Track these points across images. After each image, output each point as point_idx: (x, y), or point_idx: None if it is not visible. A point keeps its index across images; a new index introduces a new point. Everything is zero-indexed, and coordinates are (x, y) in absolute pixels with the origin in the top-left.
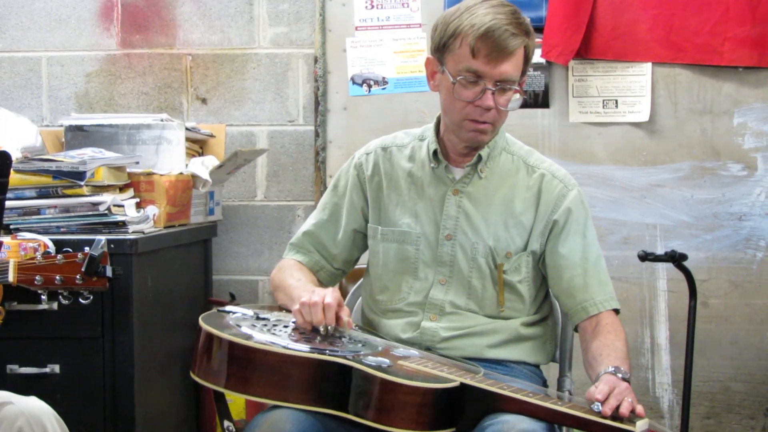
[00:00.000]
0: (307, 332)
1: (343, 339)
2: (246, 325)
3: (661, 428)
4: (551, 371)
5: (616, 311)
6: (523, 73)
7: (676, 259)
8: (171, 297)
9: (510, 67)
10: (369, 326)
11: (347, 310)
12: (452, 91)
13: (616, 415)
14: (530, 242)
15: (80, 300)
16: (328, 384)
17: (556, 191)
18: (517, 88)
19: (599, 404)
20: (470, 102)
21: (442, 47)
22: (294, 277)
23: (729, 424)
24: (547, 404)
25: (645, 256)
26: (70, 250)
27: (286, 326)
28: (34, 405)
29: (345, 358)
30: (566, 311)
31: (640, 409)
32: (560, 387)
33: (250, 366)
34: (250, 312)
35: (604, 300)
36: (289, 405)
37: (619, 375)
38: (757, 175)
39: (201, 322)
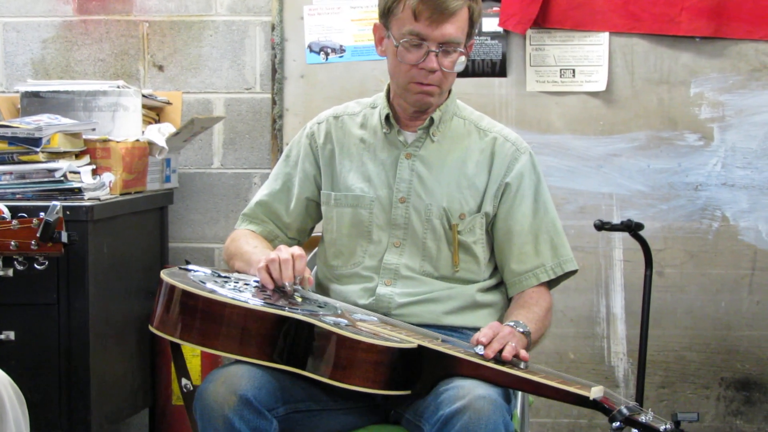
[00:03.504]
0: (267, 290)
1: (303, 299)
2: (208, 282)
3: (614, 395)
4: None
5: (573, 272)
6: (470, 36)
7: (632, 228)
8: (127, 264)
9: (452, 29)
10: (323, 293)
11: (308, 268)
12: (397, 54)
13: (498, 358)
14: (484, 204)
15: (35, 266)
16: (286, 340)
17: (508, 154)
18: (463, 50)
19: (482, 347)
20: (414, 65)
21: (386, 12)
22: (250, 245)
23: (684, 393)
24: (504, 369)
25: (601, 226)
26: (26, 215)
27: (247, 284)
28: None
29: (304, 314)
30: (511, 278)
31: (524, 353)
32: None
33: (209, 318)
34: (209, 271)
35: (556, 264)
36: (246, 359)
37: (518, 328)
38: (713, 146)
39: (162, 275)
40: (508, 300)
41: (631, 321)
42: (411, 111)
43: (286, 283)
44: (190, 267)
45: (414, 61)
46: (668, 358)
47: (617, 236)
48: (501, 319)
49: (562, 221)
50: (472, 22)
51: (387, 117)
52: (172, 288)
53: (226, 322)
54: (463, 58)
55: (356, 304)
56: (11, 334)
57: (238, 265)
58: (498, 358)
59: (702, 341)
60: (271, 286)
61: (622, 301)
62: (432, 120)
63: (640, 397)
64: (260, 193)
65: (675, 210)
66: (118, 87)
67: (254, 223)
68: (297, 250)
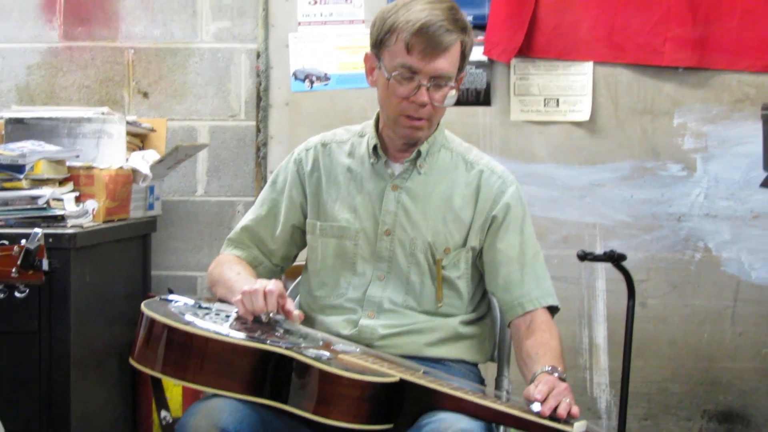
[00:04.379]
0: (248, 322)
1: (285, 331)
2: (188, 313)
3: (597, 429)
4: (489, 371)
5: (555, 309)
6: (461, 69)
7: (615, 259)
8: (109, 292)
9: (445, 63)
10: (307, 323)
11: (290, 300)
12: (388, 86)
13: (553, 416)
14: (469, 238)
15: (16, 294)
16: (267, 374)
17: (495, 187)
18: (453, 84)
19: (539, 404)
20: (405, 98)
21: (379, 43)
22: (234, 271)
23: (666, 425)
24: (486, 403)
25: (584, 256)
26: (6, 242)
27: (228, 315)
28: None
29: (285, 348)
30: (502, 307)
31: (575, 410)
32: (498, 386)
33: (189, 352)
34: (191, 301)
35: (541, 296)
36: (227, 394)
37: (556, 375)
38: (696, 176)
39: (143, 308)
40: (494, 331)
41: (613, 352)
42: (399, 143)
43: (262, 316)
44: (171, 297)
45: (405, 94)
46: (651, 389)
47: (600, 266)
48: (485, 351)
49: (546, 251)
50: (464, 56)
51: (375, 147)
52: (152, 321)
53: (207, 356)
54: (453, 92)
55: (339, 335)
56: None
57: (220, 292)
58: (553, 416)
59: (684, 372)
60: (249, 317)
61: (604, 331)
62: (419, 152)
63: (622, 429)
64: (246, 218)
65: (658, 240)
66: (103, 114)
67: (239, 248)
68: (270, 285)
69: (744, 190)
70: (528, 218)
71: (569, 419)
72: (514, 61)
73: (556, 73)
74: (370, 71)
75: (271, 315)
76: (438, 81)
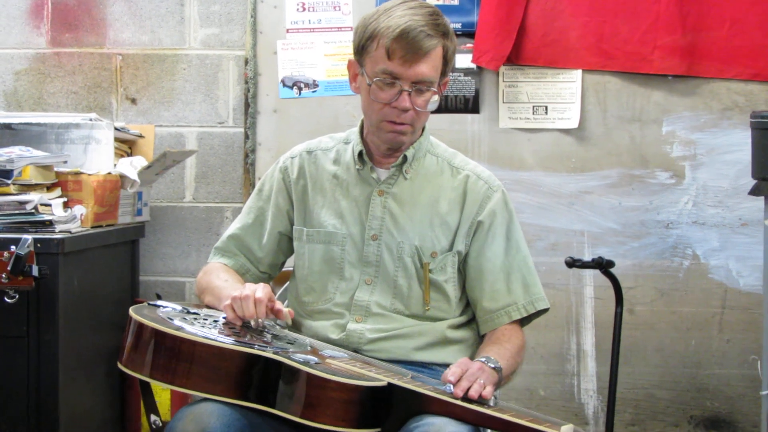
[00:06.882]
0: (237, 328)
1: (272, 336)
2: (177, 318)
3: None
4: None
5: (545, 310)
6: (444, 74)
7: (603, 265)
8: (97, 297)
9: (426, 68)
10: (295, 329)
11: (279, 303)
12: (370, 92)
13: (465, 397)
14: (456, 242)
15: (5, 299)
16: (255, 378)
17: (481, 192)
18: (436, 89)
19: (451, 386)
20: (387, 103)
21: (360, 49)
22: (221, 279)
23: (653, 430)
24: (474, 407)
25: (572, 263)
26: None
27: (216, 321)
28: None
29: (273, 352)
30: (483, 316)
31: (487, 391)
32: None
33: (177, 356)
34: (179, 307)
35: (528, 302)
36: (215, 398)
37: (490, 364)
38: (684, 184)
39: (131, 312)
40: (480, 337)
41: (601, 358)
42: (384, 148)
43: (251, 321)
44: (159, 303)
45: (387, 99)
46: (638, 395)
47: (588, 273)
48: (472, 356)
49: (534, 258)
50: (446, 61)
51: (360, 154)
52: (141, 326)
53: (195, 360)
54: (436, 97)
55: (327, 340)
56: None
57: (208, 299)
58: (465, 397)
59: (672, 379)
60: (238, 323)
61: (592, 338)
62: (405, 158)
63: None
64: (233, 227)
65: (646, 248)
66: (91, 120)
67: (226, 257)
68: (259, 291)
69: (732, 198)
70: (515, 223)
71: (483, 401)
72: (502, 69)
73: (544, 81)
74: (353, 78)
75: (260, 321)
76: (420, 86)
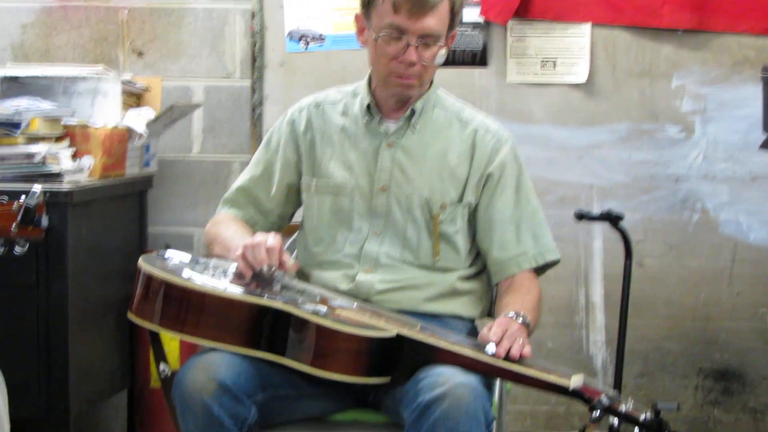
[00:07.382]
0: (247, 278)
1: (282, 286)
2: (186, 268)
3: (594, 383)
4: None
5: (556, 262)
6: (451, 27)
7: (612, 218)
8: (106, 248)
9: (433, 22)
10: (304, 279)
11: (288, 253)
12: (376, 47)
13: (507, 357)
14: (465, 194)
15: (15, 250)
16: (265, 328)
17: (489, 145)
18: (442, 43)
19: (493, 345)
20: (394, 57)
21: (367, 3)
22: (230, 229)
23: (662, 382)
24: (483, 357)
25: (581, 216)
26: (5, 198)
27: (225, 271)
28: None
29: (283, 303)
30: (494, 266)
31: (527, 350)
32: None
33: (187, 306)
34: (189, 257)
35: (538, 253)
36: (225, 347)
37: (521, 320)
38: (694, 138)
39: (141, 263)
40: (490, 287)
41: (610, 311)
42: (392, 102)
43: (264, 267)
44: (168, 253)
45: (393, 53)
46: (647, 347)
47: (597, 227)
48: (484, 308)
49: (543, 211)
50: (453, 15)
51: (368, 106)
52: (150, 276)
53: (204, 310)
54: (443, 51)
55: (337, 290)
56: None
57: (217, 250)
58: (507, 357)
59: (681, 332)
60: (249, 272)
61: (601, 290)
62: (413, 110)
63: (618, 387)
64: (241, 179)
65: (655, 201)
66: (98, 73)
67: (235, 208)
68: (271, 239)
69: (743, 152)
70: (525, 175)
71: (521, 360)
72: (510, 23)
73: (553, 35)
74: (360, 32)
75: (272, 268)
76: (426, 40)
